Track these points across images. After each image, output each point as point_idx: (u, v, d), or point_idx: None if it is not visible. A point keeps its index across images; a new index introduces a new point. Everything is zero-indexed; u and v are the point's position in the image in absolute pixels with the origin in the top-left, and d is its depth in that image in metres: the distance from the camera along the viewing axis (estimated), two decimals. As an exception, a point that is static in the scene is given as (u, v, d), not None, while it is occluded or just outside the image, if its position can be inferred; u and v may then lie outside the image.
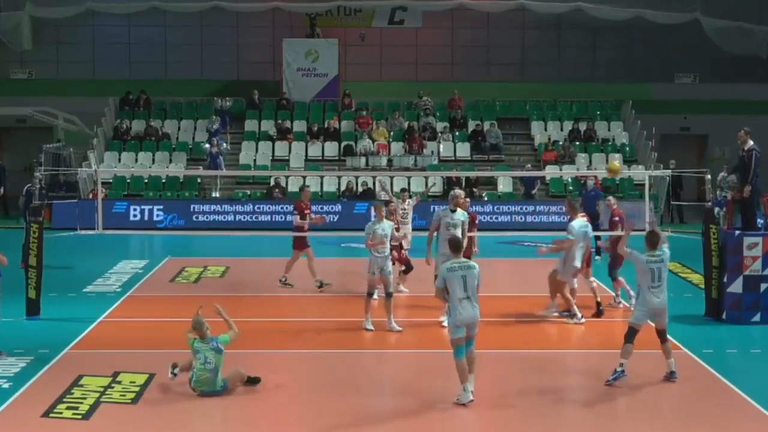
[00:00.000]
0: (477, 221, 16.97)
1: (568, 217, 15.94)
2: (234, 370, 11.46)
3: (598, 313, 15.63)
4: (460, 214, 15.04)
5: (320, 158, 32.33)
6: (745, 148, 15.56)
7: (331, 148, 32.55)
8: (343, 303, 16.97)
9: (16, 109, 32.65)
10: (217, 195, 30.43)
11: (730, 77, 34.82)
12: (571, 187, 30.08)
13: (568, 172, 30.11)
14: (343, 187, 30.45)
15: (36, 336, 14.18)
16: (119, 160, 31.80)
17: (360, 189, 30.29)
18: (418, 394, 11.56)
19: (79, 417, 10.57)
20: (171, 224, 28.13)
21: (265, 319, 15.67)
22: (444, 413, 10.97)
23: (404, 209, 18.01)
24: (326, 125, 33.12)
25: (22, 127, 35.04)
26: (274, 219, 28.25)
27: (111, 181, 30.30)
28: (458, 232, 14.51)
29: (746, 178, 15.56)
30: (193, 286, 18.79)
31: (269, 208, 28.61)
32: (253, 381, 11.63)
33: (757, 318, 15.32)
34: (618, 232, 15.70)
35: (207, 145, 30.70)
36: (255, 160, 31.78)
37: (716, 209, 16.69)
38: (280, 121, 33.34)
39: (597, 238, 19.15)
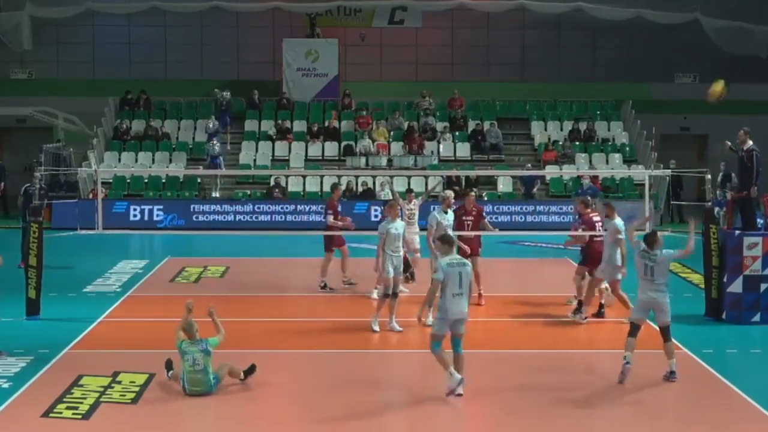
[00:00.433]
0: (484, 214, 17.10)
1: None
2: (221, 364, 11.52)
3: (599, 314, 15.64)
4: (451, 215, 15.81)
5: (320, 158, 32.34)
6: (745, 149, 15.55)
7: (331, 148, 32.55)
8: (344, 303, 16.98)
9: (16, 109, 32.64)
10: (217, 195, 30.44)
11: (730, 77, 34.44)
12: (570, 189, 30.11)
13: (568, 172, 30.13)
14: (343, 187, 30.40)
15: (36, 336, 14.18)
16: (119, 160, 31.80)
17: (360, 189, 30.29)
18: (417, 394, 11.56)
19: (79, 417, 10.57)
20: (171, 224, 28.12)
21: (265, 319, 15.68)
22: (444, 413, 10.98)
23: (410, 209, 17.81)
24: (326, 124, 33.12)
25: (22, 127, 35.03)
26: (274, 219, 28.27)
27: (111, 181, 30.31)
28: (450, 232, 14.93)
29: (749, 179, 15.54)
30: (193, 286, 18.78)
31: (269, 208, 28.62)
32: (249, 372, 11.72)
33: (757, 318, 15.32)
34: (579, 233, 15.99)
35: (213, 141, 30.74)
36: (255, 160, 31.79)
37: (716, 209, 16.69)
38: (280, 122, 33.32)
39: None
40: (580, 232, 15.94)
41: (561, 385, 11.89)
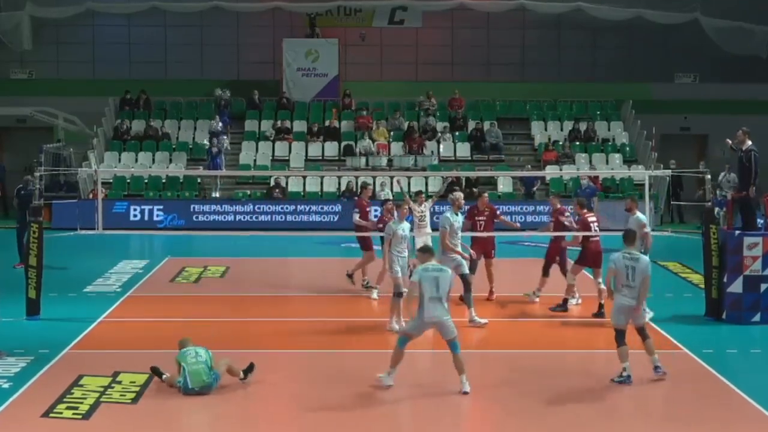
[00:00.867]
0: (498, 213, 17.45)
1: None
2: (219, 360, 11.54)
3: (599, 314, 15.63)
4: (461, 216, 15.89)
5: (320, 158, 32.34)
6: (743, 149, 15.55)
7: (331, 148, 32.55)
8: (343, 303, 16.97)
9: (16, 109, 32.64)
10: (217, 195, 30.43)
11: (730, 77, 34.81)
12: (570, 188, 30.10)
13: (568, 172, 30.12)
14: (343, 187, 30.45)
15: (36, 336, 14.17)
16: (119, 160, 31.80)
17: (360, 189, 30.24)
18: (417, 394, 11.57)
19: (79, 417, 10.57)
20: (171, 224, 28.12)
21: (264, 319, 15.68)
22: (443, 413, 10.98)
23: (421, 212, 17.47)
24: (326, 124, 33.12)
25: (22, 127, 35.02)
26: (274, 219, 28.28)
27: (111, 181, 30.30)
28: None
29: (748, 180, 15.54)
30: (193, 286, 18.79)
31: (269, 208, 28.61)
32: (248, 371, 11.73)
33: (757, 318, 15.31)
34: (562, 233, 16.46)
35: (222, 138, 30.74)
36: (255, 160, 31.79)
37: (716, 209, 16.68)
38: (279, 122, 33.31)
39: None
40: (551, 232, 16.67)
41: (561, 385, 11.89)
